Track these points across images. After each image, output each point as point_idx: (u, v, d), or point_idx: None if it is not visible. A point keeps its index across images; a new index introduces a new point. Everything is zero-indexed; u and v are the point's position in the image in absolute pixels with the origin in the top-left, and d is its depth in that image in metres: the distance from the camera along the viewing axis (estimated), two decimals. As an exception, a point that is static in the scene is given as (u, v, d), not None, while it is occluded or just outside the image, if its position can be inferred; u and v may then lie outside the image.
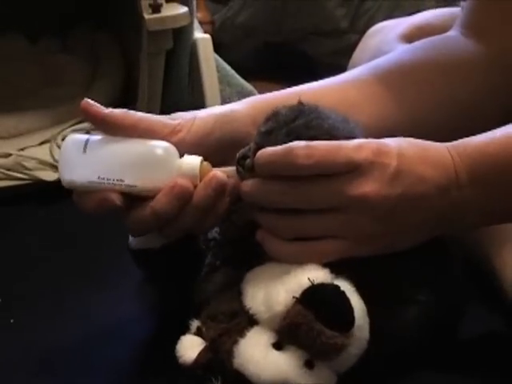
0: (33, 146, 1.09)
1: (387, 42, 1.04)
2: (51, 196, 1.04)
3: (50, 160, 1.06)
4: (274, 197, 0.63)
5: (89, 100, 0.67)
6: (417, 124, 0.76)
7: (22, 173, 1.05)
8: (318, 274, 0.61)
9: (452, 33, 0.84)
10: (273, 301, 0.61)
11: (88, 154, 0.66)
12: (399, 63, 0.80)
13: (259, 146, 0.64)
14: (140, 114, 0.68)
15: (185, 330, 0.67)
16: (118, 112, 0.67)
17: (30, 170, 1.05)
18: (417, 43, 0.85)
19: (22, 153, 1.06)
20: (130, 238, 0.77)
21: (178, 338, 0.66)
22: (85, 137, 0.68)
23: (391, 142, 0.64)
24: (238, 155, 0.66)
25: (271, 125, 0.64)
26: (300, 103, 0.66)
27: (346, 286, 0.61)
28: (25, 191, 1.05)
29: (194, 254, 0.74)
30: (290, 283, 0.61)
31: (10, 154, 1.06)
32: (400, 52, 0.83)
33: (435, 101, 0.78)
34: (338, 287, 0.60)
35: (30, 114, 1.13)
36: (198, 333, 0.66)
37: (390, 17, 1.66)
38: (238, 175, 0.65)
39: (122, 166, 0.65)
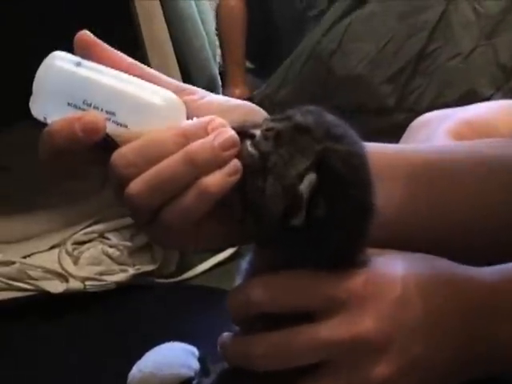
0: (40, 252, 1.00)
1: (435, 138, 0.94)
2: (57, 309, 0.96)
3: (58, 269, 0.98)
4: (256, 356, 0.51)
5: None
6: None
7: (25, 282, 0.96)
8: None
9: None
10: None
11: (79, 70, 0.52)
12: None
13: (279, 134, 0.50)
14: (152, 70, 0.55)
15: None
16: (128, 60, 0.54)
17: (34, 279, 0.96)
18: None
19: (25, 260, 0.98)
20: (129, 379, 0.70)
21: None
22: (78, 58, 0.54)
23: (398, 267, 0.53)
24: (236, 124, 0.51)
25: (311, 122, 0.50)
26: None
27: None
28: (28, 303, 0.97)
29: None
30: None
31: (14, 262, 0.97)
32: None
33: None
34: None
35: (40, 214, 1.06)
36: None
37: (441, 95, 1.56)
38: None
39: (118, 98, 0.51)
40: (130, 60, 0.54)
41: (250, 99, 1.80)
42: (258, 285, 0.51)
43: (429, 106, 1.42)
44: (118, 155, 0.49)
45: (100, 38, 0.55)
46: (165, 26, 0.95)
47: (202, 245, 0.54)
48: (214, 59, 1.14)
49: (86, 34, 0.53)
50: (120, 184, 0.50)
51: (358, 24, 1.59)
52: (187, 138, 0.50)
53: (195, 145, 0.49)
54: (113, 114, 0.51)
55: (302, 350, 0.50)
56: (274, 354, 0.50)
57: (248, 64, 2.05)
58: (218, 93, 1.09)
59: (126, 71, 0.53)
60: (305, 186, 0.48)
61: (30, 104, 0.54)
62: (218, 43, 1.90)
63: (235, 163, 0.49)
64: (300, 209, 0.48)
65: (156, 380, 0.67)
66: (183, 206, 0.49)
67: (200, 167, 0.49)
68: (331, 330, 0.50)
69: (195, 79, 1.05)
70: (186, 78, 1.03)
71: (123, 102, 0.51)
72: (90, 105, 0.51)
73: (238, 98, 1.75)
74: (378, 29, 1.57)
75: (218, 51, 1.85)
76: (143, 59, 1.00)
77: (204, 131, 0.50)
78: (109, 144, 0.50)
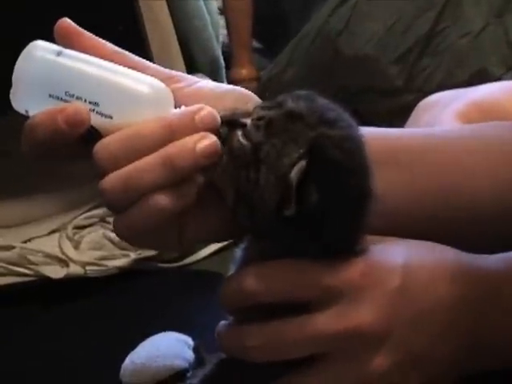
0: (40, 236, 0.99)
1: (441, 120, 0.91)
2: (58, 295, 0.94)
3: (59, 254, 0.96)
4: (248, 348, 0.50)
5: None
6: None
7: (25, 267, 0.95)
8: None
9: None
10: None
11: (60, 60, 0.50)
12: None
13: (270, 123, 0.48)
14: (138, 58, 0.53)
15: None
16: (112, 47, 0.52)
17: (35, 264, 0.95)
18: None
19: (25, 245, 0.97)
20: (122, 371, 0.70)
21: None
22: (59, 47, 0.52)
23: (399, 256, 0.51)
24: (226, 113, 0.49)
25: (303, 108, 0.48)
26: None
27: None
28: (28, 289, 0.95)
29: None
30: None
31: (14, 247, 0.96)
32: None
33: None
34: None
35: (40, 199, 1.04)
36: None
37: (451, 75, 1.53)
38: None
39: (102, 87, 0.49)
40: (115, 48, 0.52)
41: (257, 79, 1.77)
42: (253, 274, 0.50)
43: (439, 86, 1.39)
44: (101, 146, 0.48)
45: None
46: (167, 11, 0.93)
47: (187, 237, 0.52)
48: (217, 39, 1.12)
49: (66, 22, 0.51)
50: (102, 175, 0.48)
51: (364, 4, 1.56)
52: (173, 130, 0.48)
53: (176, 148, 0.47)
54: (97, 104, 0.49)
55: (296, 341, 0.49)
56: (268, 346, 0.49)
57: (255, 44, 2.02)
58: (221, 73, 1.06)
59: (111, 60, 0.50)
60: (294, 174, 0.46)
61: (11, 97, 0.52)
62: (223, 23, 1.87)
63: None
64: (291, 198, 0.46)
65: (149, 372, 0.65)
66: (156, 206, 0.47)
67: (179, 172, 0.47)
68: (327, 321, 0.48)
69: (198, 60, 1.03)
70: (189, 59, 1.01)
71: (107, 92, 0.48)
72: (72, 96, 0.49)
73: (245, 78, 1.74)
74: (385, 8, 1.54)
75: (223, 31, 1.82)
76: (144, 45, 0.98)
77: (191, 121, 0.48)
78: (93, 136, 0.48)
